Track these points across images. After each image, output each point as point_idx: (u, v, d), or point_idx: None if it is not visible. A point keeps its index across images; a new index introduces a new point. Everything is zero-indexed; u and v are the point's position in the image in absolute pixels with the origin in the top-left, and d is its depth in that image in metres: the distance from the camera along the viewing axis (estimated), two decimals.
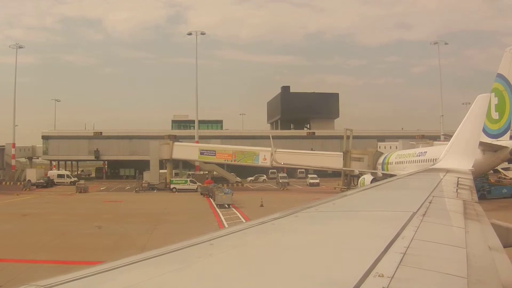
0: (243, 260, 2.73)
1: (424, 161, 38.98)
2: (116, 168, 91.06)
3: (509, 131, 34.19)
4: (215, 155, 62.13)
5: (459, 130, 12.70)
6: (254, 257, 2.84)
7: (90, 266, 2.38)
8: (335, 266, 2.60)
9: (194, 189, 53.72)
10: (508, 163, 40.44)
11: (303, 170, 70.72)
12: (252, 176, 73.25)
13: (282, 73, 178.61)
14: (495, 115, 33.84)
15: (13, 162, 71.10)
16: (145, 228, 26.15)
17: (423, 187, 7.89)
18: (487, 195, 38.03)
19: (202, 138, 72.31)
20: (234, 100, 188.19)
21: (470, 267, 2.58)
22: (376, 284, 2.14)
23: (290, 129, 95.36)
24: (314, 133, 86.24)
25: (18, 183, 62.13)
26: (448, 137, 34.07)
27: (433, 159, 28.29)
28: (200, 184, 53.74)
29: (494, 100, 32.93)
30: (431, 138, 62.63)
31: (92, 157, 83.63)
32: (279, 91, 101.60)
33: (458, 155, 12.14)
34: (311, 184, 63.12)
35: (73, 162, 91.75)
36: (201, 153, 62.41)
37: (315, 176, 65.38)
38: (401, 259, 2.58)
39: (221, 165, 67.72)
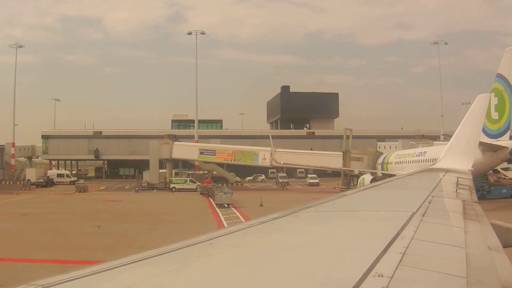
0: (242, 260, 2.73)
1: (423, 161, 38.99)
2: (116, 167, 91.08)
3: (508, 131, 34.22)
4: (214, 155, 62.14)
5: (459, 130, 12.70)
6: (254, 257, 2.84)
7: (89, 266, 2.38)
8: (334, 266, 2.60)
9: (193, 189, 53.73)
10: (508, 163, 40.52)
11: (303, 170, 70.74)
12: (250, 176, 73.28)
13: (282, 73, 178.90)
14: (495, 115, 33.86)
15: (12, 162, 71.00)
16: (145, 228, 26.14)
17: (422, 187, 7.89)
18: (486, 195, 38.05)
19: (202, 137, 72.29)
20: (234, 100, 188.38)
21: (469, 267, 2.58)
22: (375, 284, 2.14)
23: (289, 129, 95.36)
24: (313, 133, 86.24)
25: (18, 183, 62.07)
26: (448, 137, 34.05)
27: (433, 159, 28.29)
28: (199, 183, 53.74)
29: (494, 100, 32.95)
30: (431, 138, 62.61)
31: (92, 157, 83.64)
32: (279, 91, 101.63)
33: (457, 155, 12.15)
34: (311, 184, 63.12)
35: (73, 161, 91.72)
36: (201, 153, 62.41)
37: (315, 176, 65.38)
38: (401, 259, 2.58)
39: (220, 165, 67.70)
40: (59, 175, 70.79)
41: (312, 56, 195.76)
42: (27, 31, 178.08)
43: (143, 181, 59.69)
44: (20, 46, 74.64)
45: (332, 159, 58.09)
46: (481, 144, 28.06)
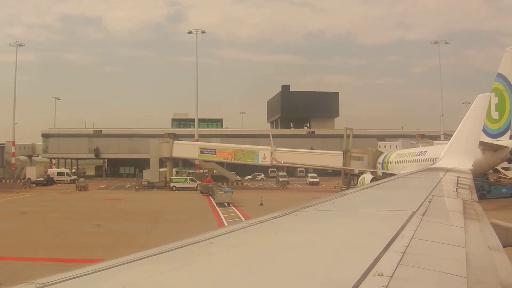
0: (242, 259, 2.73)
1: (424, 161, 39.01)
2: (116, 166, 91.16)
3: (509, 131, 34.22)
4: (215, 154, 62.15)
5: (459, 129, 12.69)
6: (254, 256, 2.84)
7: (89, 264, 2.38)
8: (334, 265, 2.60)
9: (194, 188, 53.76)
10: (508, 163, 40.48)
11: (303, 169, 70.75)
12: (250, 175, 73.27)
13: (282, 72, 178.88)
14: (495, 114, 33.86)
15: (13, 160, 70.98)
16: (145, 227, 26.16)
17: (423, 187, 7.89)
18: (486, 195, 38.06)
19: (202, 136, 72.32)
20: (234, 99, 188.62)
21: (469, 267, 2.58)
22: (375, 283, 2.14)
23: (290, 128, 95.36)
24: (314, 132, 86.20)
25: (18, 181, 62.04)
26: (448, 136, 34.10)
27: (433, 158, 28.29)
28: (200, 182, 53.77)
29: (494, 100, 32.95)
30: (431, 138, 62.66)
31: (92, 155, 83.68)
32: (279, 90, 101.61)
33: (458, 155, 12.14)
34: (311, 183, 63.16)
35: (73, 160, 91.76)
36: (201, 152, 62.43)
37: (315, 175, 65.41)
38: (401, 258, 2.58)
39: (221, 164, 67.72)
40: (60, 174, 70.82)
41: (312, 56, 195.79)
42: (27, 30, 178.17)
43: (143, 180, 59.70)
44: (20, 45, 74.68)
45: (332, 158, 58.12)
46: (482, 143, 28.06)
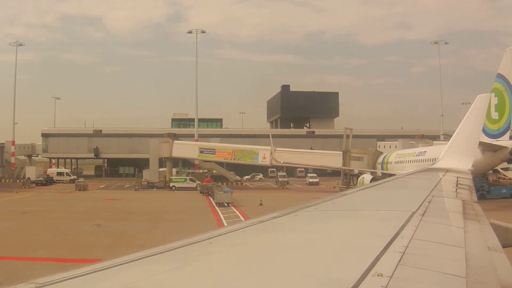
0: (242, 259, 2.73)
1: (423, 161, 39.00)
2: (116, 166, 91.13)
3: (508, 131, 34.24)
4: (214, 154, 62.16)
5: (459, 130, 12.70)
6: (253, 256, 2.84)
7: (89, 264, 2.38)
8: (334, 265, 2.60)
9: (193, 188, 53.77)
10: (508, 163, 40.50)
11: (303, 169, 70.74)
12: (248, 175, 73.23)
13: (282, 72, 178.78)
14: (495, 115, 33.86)
15: (12, 160, 70.92)
16: (145, 227, 26.16)
17: (422, 187, 7.89)
18: (486, 195, 38.06)
19: (202, 136, 72.30)
20: (234, 99, 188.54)
21: (469, 267, 2.58)
22: (375, 284, 2.14)
23: (290, 128, 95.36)
24: (313, 132, 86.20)
25: (18, 181, 61.98)
26: (447, 136, 34.04)
27: (433, 158, 28.29)
28: (199, 182, 53.76)
29: (494, 100, 32.95)
30: (431, 138, 62.62)
31: (92, 155, 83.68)
32: (279, 90, 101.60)
33: (457, 155, 12.15)
34: (311, 183, 63.15)
35: (73, 160, 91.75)
36: (201, 152, 62.43)
37: (315, 175, 65.41)
38: (400, 259, 2.58)
39: (220, 164, 67.73)
40: (59, 174, 70.80)
41: (312, 56, 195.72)
42: (27, 30, 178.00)
43: (143, 180, 59.70)
44: (20, 44, 74.63)
45: (332, 159, 58.13)
46: (481, 144, 28.06)
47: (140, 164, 69.84)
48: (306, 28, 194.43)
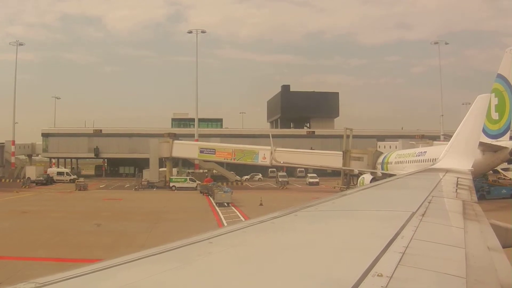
0: (242, 259, 2.73)
1: (423, 161, 39.00)
2: (116, 166, 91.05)
3: (509, 132, 34.22)
4: (214, 154, 62.16)
5: (459, 130, 12.71)
6: (253, 256, 2.84)
7: (89, 264, 2.38)
8: (334, 265, 2.60)
9: (193, 188, 53.76)
10: (508, 164, 40.50)
11: (303, 169, 70.71)
12: (247, 175, 73.22)
13: (282, 72, 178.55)
14: (495, 115, 33.86)
15: (12, 160, 70.93)
16: (144, 227, 26.16)
17: (422, 187, 7.89)
18: (486, 196, 38.03)
19: (202, 136, 72.28)
20: (234, 99, 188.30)
21: (469, 267, 2.58)
22: (375, 284, 2.14)
23: (290, 128, 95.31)
24: (314, 132, 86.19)
25: (18, 181, 62.00)
26: (448, 137, 34.11)
27: (433, 159, 28.29)
28: (199, 182, 53.75)
29: (494, 101, 32.94)
30: (431, 138, 62.63)
31: (92, 155, 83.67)
32: (279, 90, 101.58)
33: (457, 155, 12.15)
34: (311, 183, 63.12)
35: (73, 159, 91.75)
36: (201, 152, 62.42)
37: (315, 175, 65.39)
38: (400, 259, 2.58)
39: (220, 164, 67.71)
40: (59, 173, 70.80)
41: (312, 56, 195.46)
42: (27, 29, 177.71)
43: (143, 180, 59.69)
44: (20, 44, 74.62)
45: (332, 159, 58.12)
46: (481, 144, 28.05)
47: (140, 164, 69.79)
48: (306, 28, 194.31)
